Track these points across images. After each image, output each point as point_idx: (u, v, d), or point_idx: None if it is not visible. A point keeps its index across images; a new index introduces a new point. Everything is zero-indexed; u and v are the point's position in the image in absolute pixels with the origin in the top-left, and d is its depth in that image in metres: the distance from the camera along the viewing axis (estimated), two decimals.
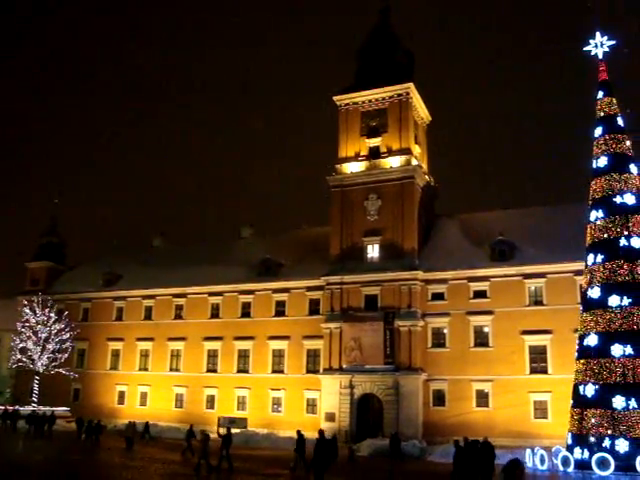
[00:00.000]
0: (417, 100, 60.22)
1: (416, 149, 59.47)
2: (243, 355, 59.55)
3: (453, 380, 51.19)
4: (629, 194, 36.56)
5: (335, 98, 60.64)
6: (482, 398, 50.25)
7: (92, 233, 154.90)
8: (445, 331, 52.85)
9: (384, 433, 47.64)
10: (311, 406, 55.22)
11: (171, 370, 62.69)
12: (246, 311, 60.55)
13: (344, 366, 53.14)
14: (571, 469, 32.47)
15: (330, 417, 52.36)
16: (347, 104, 60.16)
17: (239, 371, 59.31)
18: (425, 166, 61.63)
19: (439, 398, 51.51)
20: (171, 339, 63.18)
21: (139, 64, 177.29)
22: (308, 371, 56.13)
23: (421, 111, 61.97)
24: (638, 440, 31.32)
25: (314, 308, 57.44)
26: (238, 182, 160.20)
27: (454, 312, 52.56)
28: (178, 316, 63.82)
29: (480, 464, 23.17)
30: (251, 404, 57.65)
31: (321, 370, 54.65)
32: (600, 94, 39.77)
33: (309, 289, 57.83)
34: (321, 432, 26.00)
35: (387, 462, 36.23)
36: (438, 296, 53.58)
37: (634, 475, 30.01)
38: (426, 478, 31.29)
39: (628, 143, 38.19)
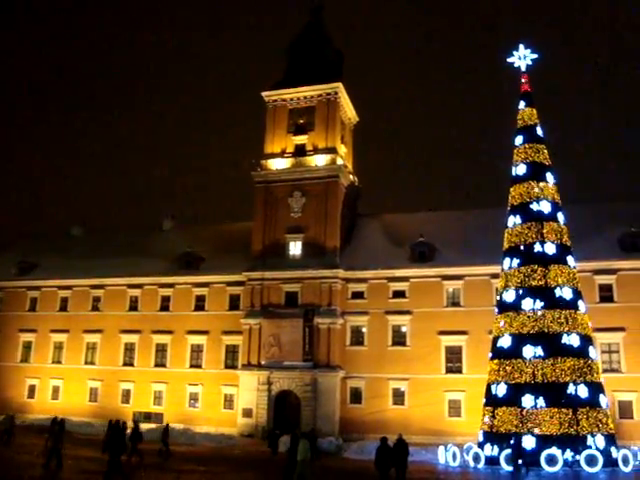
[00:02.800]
0: (345, 100, 60.80)
1: (342, 149, 60.07)
2: (161, 349, 58.73)
3: (370, 378, 51.98)
4: (545, 202, 37.98)
5: (263, 94, 60.52)
6: (398, 396, 51.23)
7: (5, 218, 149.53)
8: (364, 330, 53.59)
9: (301, 430, 47.91)
10: (229, 402, 55.00)
11: (86, 363, 61.10)
12: (165, 305, 59.73)
13: (263, 362, 53.20)
14: (481, 465, 33.53)
15: (247, 413, 52.39)
16: (275, 100, 60.17)
17: (156, 365, 58.44)
18: (350, 166, 62.32)
19: (356, 396, 52.23)
20: (87, 331, 61.57)
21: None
22: (226, 366, 55.88)
23: (348, 111, 62.59)
24: (543, 437, 32.65)
25: (234, 303, 57.21)
26: (162, 173, 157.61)
27: (373, 311, 53.35)
28: (95, 308, 62.25)
29: (394, 460, 23.70)
30: (168, 399, 56.94)
31: (239, 366, 54.51)
32: (522, 104, 41.14)
33: (230, 284, 57.58)
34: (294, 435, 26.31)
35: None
36: (358, 295, 54.29)
37: (539, 470, 31.24)
38: (342, 474, 31.67)
39: (546, 152, 39.65)
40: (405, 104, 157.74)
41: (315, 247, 55.01)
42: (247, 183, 59.32)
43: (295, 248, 55.70)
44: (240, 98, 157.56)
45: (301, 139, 58.68)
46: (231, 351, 56.34)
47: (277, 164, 58.29)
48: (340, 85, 59.08)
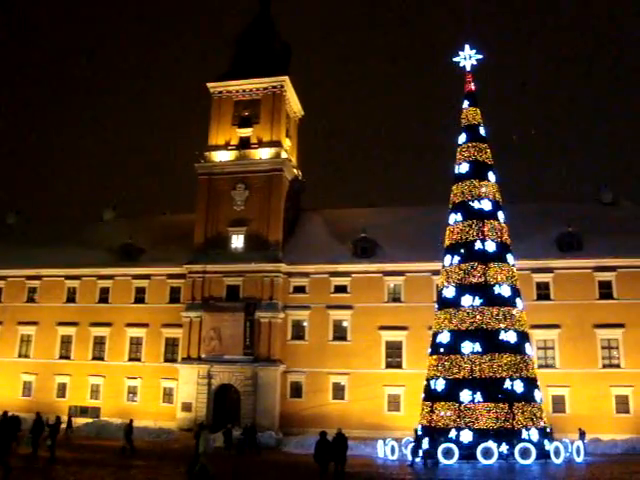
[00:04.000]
0: (291, 94, 60.70)
1: (286, 142, 59.97)
2: (99, 342, 57.63)
3: (311, 372, 52.16)
4: (486, 200, 38.55)
5: (209, 85, 59.92)
6: (338, 391, 51.59)
7: None
8: (305, 324, 53.72)
9: (241, 424, 47.84)
10: (168, 396, 54.43)
11: (20, 356, 59.46)
12: (104, 296, 58.59)
13: (203, 356, 52.84)
14: (419, 459, 33.96)
15: (187, 407, 51.97)
16: (221, 92, 59.62)
17: (94, 358, 57.34)
18: (294, 160, 62.29)
19: (296, 390, 52.37)
20: (21, 323, 59.82)
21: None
22: (166, 360, 55.26)
23: (294, 105, 62.50)
24: (480, 431, 33.27)
25: (175, 296, 56.59)
26: (104, 162, 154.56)
27: (315, 306, 53.52)
28: (31, 299, 60.59)
29: (334, 454, 23.80)
30: (105, 393, 55.95)
31: (179, 359, 54.01)
32: (466, 104, 41.61)
33: (170, 277, 56.91)
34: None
35: (240, 454, 36.52)
36: (300, 289, 54.39)
37: (475, 462, 31.83)
38: (281, 469, 31.67)
39: (489, 152, 40.28)
40: (350, 100, 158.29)
41: (258, 241, 54.83)
42: (190, 175, 58.78)
43: (237, 241, 55.40)
44: (187, 88, 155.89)
45: (246, 132, 58.35)
46: (171, 344, 55.74)
47: (221, 156, 57.83)
48: (287, 79, 58.96)
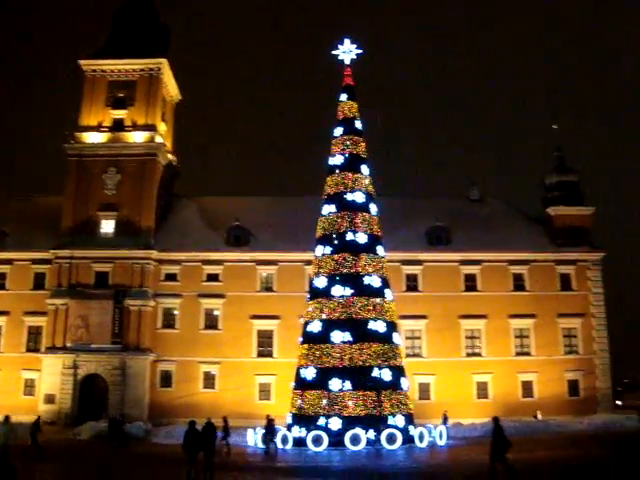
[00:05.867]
0: (168, 77, 59.28)
1: (162, 127, 58.55)
2: None
3: (182, 361, 51.44)
4: (359, 192, 39.17)
5: (81, 62, 57.19)
6: (209, 380, 51.22)
7: None
8: (176, 312, 52.88)
9: (108, 415, 46.43)
10: (29, 387, 51.82)
11: None
12: None
13: (69, 345, 50.79)
14: (289, 447, 34.23)
15: (49, 399, 49.81)
16: (94, 70, 57.06)
17: None
18: (169, 145, 60.91)
19: (166, 379, 51.52)
20: None
21: None
22: (28, 350, 52.64)
23: (171, 89, 61.10)
24: (349, 418, 33.93)
25: (39, 282, 53.94)
26: None
27: (186, 294, 52.78)
28: None
29: (203, 444, 23.54)
30: None
31: (43, 349, 51.70)
32: (343, 97, 42.00)
33: (35, 262, 54.18)
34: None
35: (108, 445, 35.48)
36: (171, 277, 53.49)
37: (343, 449, 32.45)
38: (150, 460, 30.99)
39: (363, 145, 40.94)
40: (229, 89, 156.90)
41: (129, 226, 53.30)
42: (60, 156, 56.15)
43: (108, 226, 53.61)
44: (61, 64, 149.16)
45: (120, 113, 56.41)
46: (34, 333, 53.22)
47: (93, 138, 55.66)
48: (164, 61, 57.46)
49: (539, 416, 49.12)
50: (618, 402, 67.59)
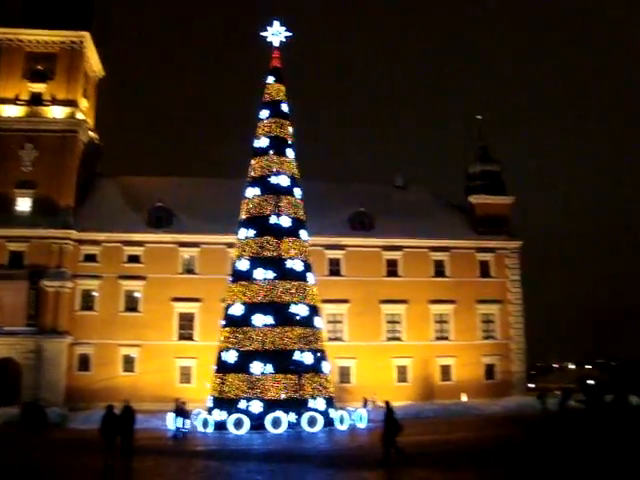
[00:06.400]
0: (92, 52, 57.27)
1: (84, 103, 56.67)
2: None
3: (100, 344, 50.24)
4: (284, 176, 39.09)
5: None
6: (129, 363, 50.30)
7: None
8: (95, 294, 51.58)
9: (22, 400, 45.03)
10: None
11: None
12: None
13: None
14: (210, 430, 34.05)
15: None
16: (10, 40, 54.40)
17: None
18: (91, 122, 59.03)
19: (84, 363, 50.26)
20: None
21: None
22: None
23: (94, 64, 59.11)
24: (269, 401, 33.98)
25: None
26: None
27: (106, 275, 51.55)
28: None
29: (121, 428, 23.13)
30: None
31: None
32: (270, 79, 41.66)
33: None
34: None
35: (21, 432, 34.38)
36: (91, 258, 52.07)
37: (264, 432, 32.49)
38: (66, 446, 30.20)
39: (290, 129, 40.77)
40: (154, 69, 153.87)
41: (47, 205, 51.46)
42: None
43: (24, 204, 51.58)
44: None
45: (39, 87, 54.16)
46: None
47: (8, 111, 53.32)
48: (87, 35, 55.37)
49: (464, 398, 50.63)
50: (531, 385, 69.97)
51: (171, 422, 34.58)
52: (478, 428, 33.77)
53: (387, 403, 21.28)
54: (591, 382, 67.04)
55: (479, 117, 62.55)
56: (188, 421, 33.98)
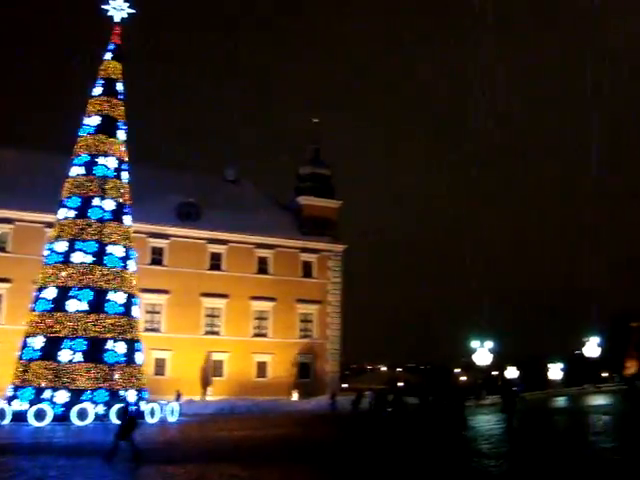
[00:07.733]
0: None
1: None
2: None
3: None
4: (112, 158, 37.44)
5: None
6: None
7: None
8: None
9: None
10: None
11: None
12: None
13: None
14: (7, 422, 31.71)
15: None
16: None
17: None
18: None
19: None
20: None
21: None
22: None
23: None
24: (77, 391, 32.36)
25: None
26: None
27: None
28: None
29: None
30: None
31: None
32: (108, 56, 39.66)
33: None
34: None
35: None
36: None
37: (69, 424, 30.77)
38: None
39: (122, 109, 39.07)
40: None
41: None
42: None
43: None
44: None
45: None
46: None
47: None
48: None
49: (296, 397, 51.17)
50: (344, 385, 72.19)
51: None
52: (288, 425, 34.07)
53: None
54: (400, 384, 70.27)
55: (316, 120, 63.53)
56: None
